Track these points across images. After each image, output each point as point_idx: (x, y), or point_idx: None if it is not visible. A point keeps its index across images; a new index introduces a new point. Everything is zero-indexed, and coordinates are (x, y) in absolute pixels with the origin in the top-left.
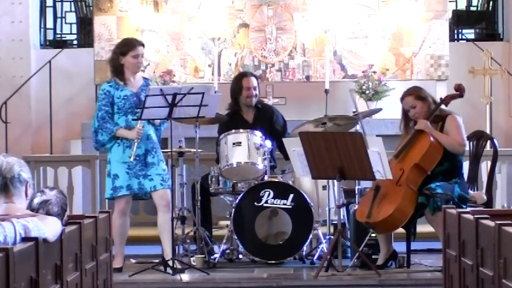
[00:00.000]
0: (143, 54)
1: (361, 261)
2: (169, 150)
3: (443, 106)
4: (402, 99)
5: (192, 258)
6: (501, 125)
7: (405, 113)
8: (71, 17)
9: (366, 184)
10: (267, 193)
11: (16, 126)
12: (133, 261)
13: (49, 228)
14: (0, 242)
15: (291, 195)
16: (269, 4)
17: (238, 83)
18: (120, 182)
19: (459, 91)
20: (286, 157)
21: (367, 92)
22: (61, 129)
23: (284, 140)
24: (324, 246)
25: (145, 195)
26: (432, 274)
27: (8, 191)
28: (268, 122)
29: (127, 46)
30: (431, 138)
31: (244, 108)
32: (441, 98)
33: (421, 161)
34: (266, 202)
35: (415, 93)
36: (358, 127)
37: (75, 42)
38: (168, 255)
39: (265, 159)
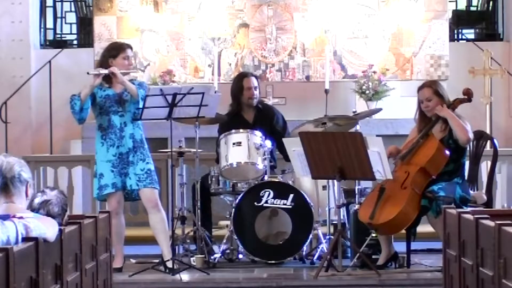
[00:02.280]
0: (132, 56)
1: (361, 261)
2: (169, 150)
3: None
4: (419, 89)
5: (192, 258)
6: (501, 125)
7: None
8: (71, 17)
9: (366, 184)
10: (267, 193)
11: (16, 126)
12: (133, 261)
13: (48, 227)
14: (3, 242)
15: (291, 195)
16: (269, 4)
17: (239, 84)
18: (105, 180)
19: (468, 95)
20: (287, 158)
21: (367, 92)
22: (61, 129)
23: (284, 140)
24: (324, 246)
25: (137, 196)
26: (432, 274)
27: (9, 191)
28: (268, 122)
29: (117, 49)
30: (438, 143)
31: (245, 108)
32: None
33: (427, 165)
34: (266, 202)
35: (434, 87)
36: (358, 127)
37: (75, 42)
38: (166, 255)
39: (265, 159)
